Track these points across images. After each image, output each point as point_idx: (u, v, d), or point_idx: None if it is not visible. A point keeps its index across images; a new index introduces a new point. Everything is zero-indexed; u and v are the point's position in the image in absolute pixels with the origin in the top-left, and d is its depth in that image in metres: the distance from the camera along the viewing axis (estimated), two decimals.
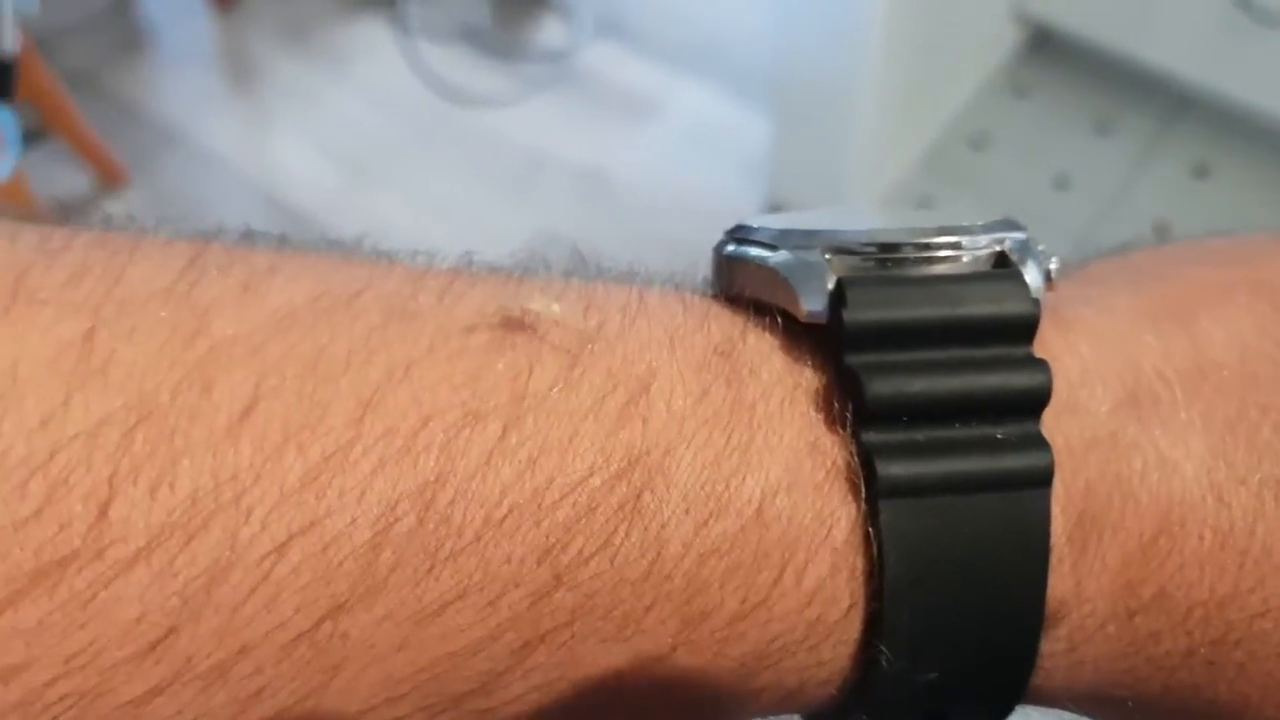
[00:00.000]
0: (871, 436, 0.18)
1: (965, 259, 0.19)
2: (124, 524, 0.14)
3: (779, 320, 0.19)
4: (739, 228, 0.20)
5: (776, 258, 0.19)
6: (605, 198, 1.55)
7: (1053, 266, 0.20)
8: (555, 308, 0.18)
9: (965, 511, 0.18)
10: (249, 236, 0.19)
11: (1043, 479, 0.18)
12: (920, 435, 0.18)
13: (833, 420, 0.18)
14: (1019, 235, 0.19)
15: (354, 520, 0.15)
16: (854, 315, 0.18)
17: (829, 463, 0.18)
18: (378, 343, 0.16)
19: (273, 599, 0.15)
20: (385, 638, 0.16)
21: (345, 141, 1.64)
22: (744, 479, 0.17)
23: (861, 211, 0.22)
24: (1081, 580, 0.19)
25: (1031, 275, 0.19)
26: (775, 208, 1.49)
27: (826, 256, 0.18)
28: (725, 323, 0.19)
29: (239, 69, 1.78)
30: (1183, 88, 1.53)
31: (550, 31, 1.78)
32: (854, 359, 0.18)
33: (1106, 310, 0.21)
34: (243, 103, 1.73)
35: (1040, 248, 0.20)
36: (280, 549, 0.15)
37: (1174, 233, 1.43)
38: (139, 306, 0.16)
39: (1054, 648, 0.19)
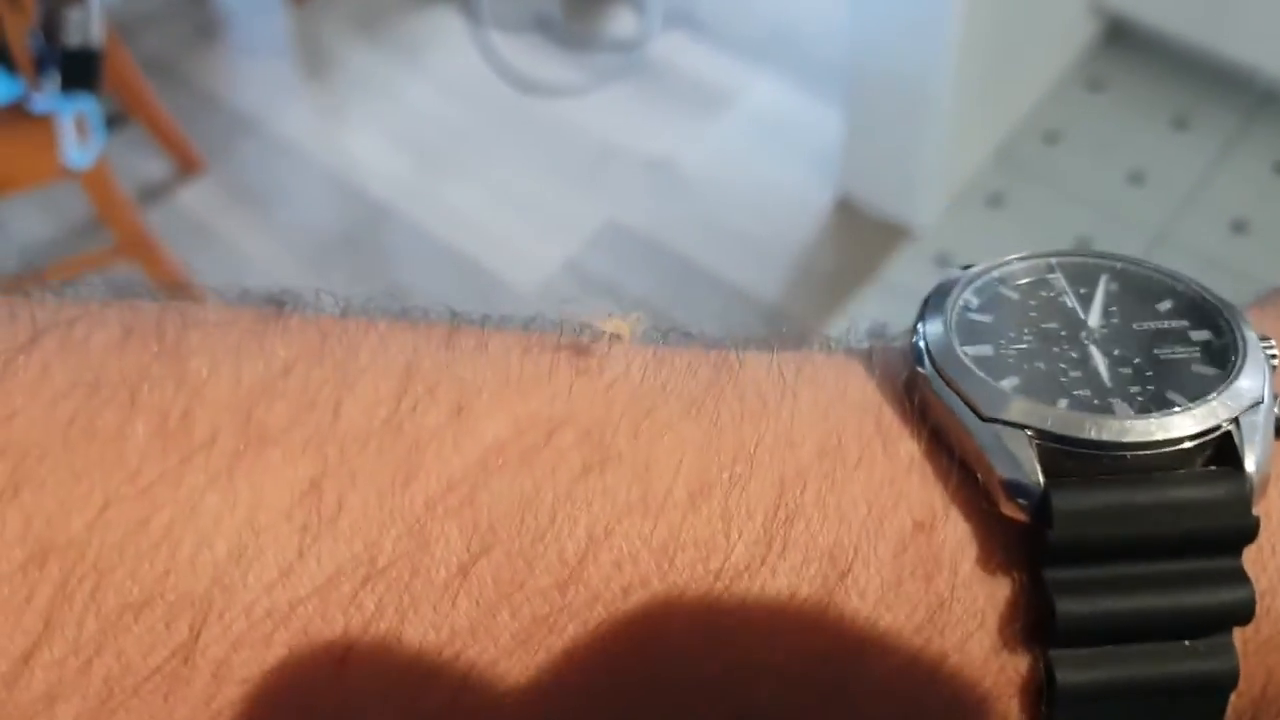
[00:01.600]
0: (1060, 652, 0.17)
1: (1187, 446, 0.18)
2: (360, 677, 0.16)
3: (979, 482, 0.18)
4: (935, 307, 0.19)
5: (983, 435, 0.18)
6: (675, 189, 1.56)
7: None
8: (760, 454, 0.18)
9: (1138, 714, 0.18)
10: (456, 318, 0.19)
11: (1225, 686, 0.17)
12: (1109, 647, 0.17)
13: (1025, 634, 0.17)
14: (1254, 395, 0.18)
15: (564, 678, 0.17)
16: (1059, 533, 0.17)
17: (1012, 672, 0.18)
18: (580, 496, 0.17)
19: None
20: None
21: (417, 130, 1.65)
22: (931, 687, 0.17)
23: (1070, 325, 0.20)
24: None
25: (1258, 453, 0.17)
26: (845, 201, 1.48)
27: (1037, 443, 0.17)
28: (929, 486, 0.18)
29: (313, 58, 1.80)
30: (1265, 83, 1.50)
31: (621, 22, 1.79)
32: (1052, 574, 0.17)
33: None
34: (317, 92, 1.75)
35: (1273, 355, 0.19)
36: (496, 702, 0.16)
37: (1252, 231, 1.41)
38: (359, 449, 0.17)
39: None
